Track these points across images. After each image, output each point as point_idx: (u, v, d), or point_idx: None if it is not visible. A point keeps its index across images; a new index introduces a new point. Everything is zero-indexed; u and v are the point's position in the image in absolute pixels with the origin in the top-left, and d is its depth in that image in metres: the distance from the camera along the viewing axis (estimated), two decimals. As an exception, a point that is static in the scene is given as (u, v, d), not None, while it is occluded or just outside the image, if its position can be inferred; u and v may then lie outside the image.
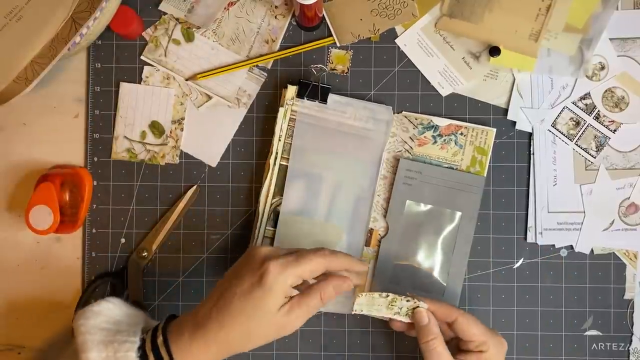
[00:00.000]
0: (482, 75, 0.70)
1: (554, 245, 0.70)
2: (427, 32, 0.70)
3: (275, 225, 0.69)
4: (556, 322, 0.70)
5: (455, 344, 0.63)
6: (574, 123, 0.70)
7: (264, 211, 0.69)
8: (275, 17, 0.71)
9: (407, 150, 0.70)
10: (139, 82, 0.71)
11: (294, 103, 0.69)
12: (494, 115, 0.70)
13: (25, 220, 0.65)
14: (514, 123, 0.70)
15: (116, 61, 0.71)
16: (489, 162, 0.69)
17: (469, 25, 0.69)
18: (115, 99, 0.71)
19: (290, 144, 0.69)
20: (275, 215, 0.69)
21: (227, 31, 0.71)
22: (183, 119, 0.71)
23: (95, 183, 0.71)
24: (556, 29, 0.68)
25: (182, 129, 0.71)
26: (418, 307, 0.61)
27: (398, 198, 0.69)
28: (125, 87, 0.71)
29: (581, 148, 0.70)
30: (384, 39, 0.71)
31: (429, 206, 0.69)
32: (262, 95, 0.71)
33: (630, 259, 0.70)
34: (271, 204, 0.69)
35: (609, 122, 0.70)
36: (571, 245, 0.70)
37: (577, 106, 0.70)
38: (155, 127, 0.70)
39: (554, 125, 0.70)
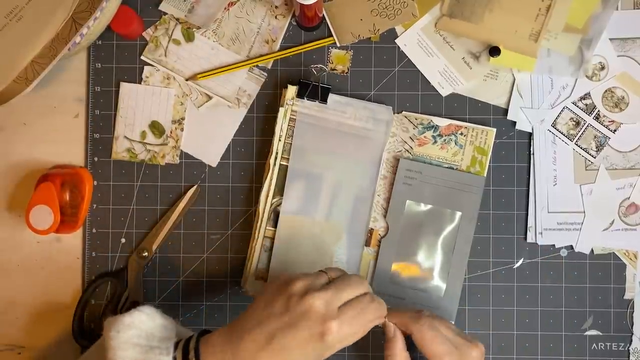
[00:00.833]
0: (482, 75, 0.70)
1: (554, 245, 0.70)
2: (427, 32, 0.70)
3: (275, 225, 0.69)
4: (556, 322, 0.70)
5: None
6: (574, 123, 0.70)
7: (264, 211, 0.69)
8: (276, 17, 0.71)
9: (407, 150, 0.70)
10: (139, 82, 0.71)
11: (294, 103, 0.69)
12: (494, 115, 0.70)
13: (25, 220, 0.65)
14: (514, 123, 0.70)
15: (116, 61, 0.71)
16: (489, 162, 0.69)
17: (469, 25, 0.69)
18: (116, 99, 0.71)
19: (291, 144, 0.69)
20: (275, 215, 0.69)
21: (227, 31, 0.71)
22: (183, 119, 0.71)
23: (95, 183, 0.71)
24: (556, 29, 0.68)
25: (182, 129, 0.71)
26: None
27: (398, 198, 0.69)
28: (125, 87, 0.71)
29: (581, 148, 0.70)
30: (384, 39, 0.71)
31: (429, 206, 0.69)
32: (262, 95, 0.71)
33: (630, 259, 0.70)
34: (271, 204, 0.69)
35: (609, 122, 0.70)
36: (571, 245, 0.70)
37: (577, 106, 0.70)
38: (156, 127, 0.70)
39: (554, 125, 0.70)
